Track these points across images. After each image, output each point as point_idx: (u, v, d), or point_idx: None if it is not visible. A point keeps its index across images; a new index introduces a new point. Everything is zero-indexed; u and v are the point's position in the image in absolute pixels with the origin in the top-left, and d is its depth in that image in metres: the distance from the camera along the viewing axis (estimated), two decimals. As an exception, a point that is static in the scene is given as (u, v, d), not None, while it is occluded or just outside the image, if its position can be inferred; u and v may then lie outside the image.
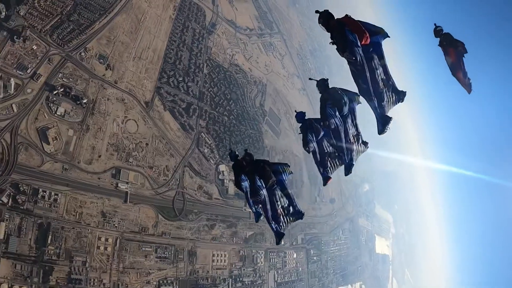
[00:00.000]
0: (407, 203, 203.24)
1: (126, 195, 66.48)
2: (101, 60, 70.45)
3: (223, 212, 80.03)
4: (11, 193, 58.47)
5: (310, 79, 15.49)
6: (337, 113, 13.41)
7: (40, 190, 59.92)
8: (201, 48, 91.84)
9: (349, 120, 13.85)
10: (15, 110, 61.35)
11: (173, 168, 73.55)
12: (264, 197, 13.05)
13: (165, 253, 69.76)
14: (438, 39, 18.52)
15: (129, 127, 70.74)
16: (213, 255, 77.16)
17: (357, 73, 12.86)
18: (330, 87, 13.86)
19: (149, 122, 73.37)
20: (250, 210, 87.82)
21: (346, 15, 12.71)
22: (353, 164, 14.15)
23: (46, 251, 59.22)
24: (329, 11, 12.85)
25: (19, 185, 58.86)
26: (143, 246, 67.37)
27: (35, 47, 64.78)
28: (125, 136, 69.69)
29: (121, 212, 66.17)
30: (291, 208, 13.87)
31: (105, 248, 64.09)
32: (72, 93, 65.25)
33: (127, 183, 66.95)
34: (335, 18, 12.77)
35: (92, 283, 62.72)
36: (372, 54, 12.53)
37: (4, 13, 63.19)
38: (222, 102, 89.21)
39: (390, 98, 13.42)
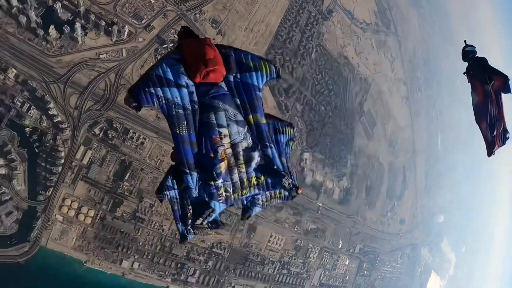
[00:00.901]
0: (477, 248, 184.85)
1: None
2: (214, 25, 72.35)
3: (295, 199, 79.63)
4: (104, 127, 64.46)
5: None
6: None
7: (131, 131, 65.11)
8: (314, 33, 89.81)
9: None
10: (124, 55, 66.58)
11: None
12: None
13: (228, 219, 72.24)
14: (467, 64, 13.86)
15: (226, 94, 72.44)
16: (271, 236, 78.10)
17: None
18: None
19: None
20: (319, 204, 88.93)
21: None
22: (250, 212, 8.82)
23: (121, 185, 64.85)
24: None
25: (113, 122, 64.46)
26: (209, 206, 70.17)
27: (153, 1, 68.73)
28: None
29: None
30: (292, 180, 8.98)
31: (174, 197, 67.90)
32: None
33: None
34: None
35: (152, 225, 67.58)
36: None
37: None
38: (323, 91, 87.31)
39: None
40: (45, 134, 62.75)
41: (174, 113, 6.38)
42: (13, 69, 62.51)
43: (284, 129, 8.82)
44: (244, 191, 7.01)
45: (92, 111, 64.54)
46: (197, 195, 6.73)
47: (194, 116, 6.51)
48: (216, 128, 6.47)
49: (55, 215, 63.44)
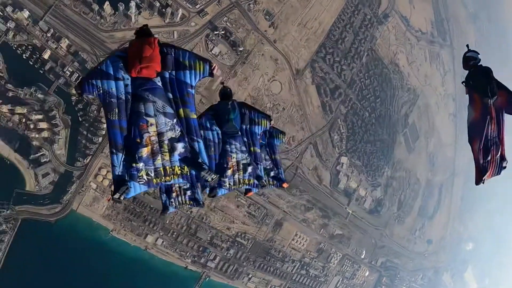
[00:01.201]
0: (501, 282, 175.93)
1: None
2: (267, 17, 71.39)
3: (325, 201, 78.47)
4: None
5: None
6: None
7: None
8: (367, 36, 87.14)
9: (263, 151, 11.47)
10: (175, 37, 67.07)
11: (298, 141, 73.56)
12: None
13: (256, 212, 71.88)
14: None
15: (273, 87, 71.74)
16: (296, 235, 77.29)
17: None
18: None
19: (294, 89, 73.35)
20: (349, 211, 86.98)
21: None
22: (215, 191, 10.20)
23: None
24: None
25: None
26: (239, 196, 70.02)
27: None
28: (267, 94, 71.04)
29: (235, 159, 68.93)
30: (275, 171, 11.95)
31: (208, 182, 68.03)
32: (231, 38, 68.17)
33: (251, 142, 68.97)
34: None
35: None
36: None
37: None
38: (369, 97, 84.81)
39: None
40: (90, 104, 64.31)
41: (107, 101, 7.30)
42: (66, 39, 64.35)
43: (259, 120, 9.99)
44: (167, 178, 7.56)
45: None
46: (120, 173, 7.26)
47: (126, 105, 7.34)
48: (144, 116, 7.24)
49: (90, 182, 65.07)
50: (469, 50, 11.66)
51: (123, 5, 64.13)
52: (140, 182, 7.38)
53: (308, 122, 74.66)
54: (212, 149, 9.53)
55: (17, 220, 66.28)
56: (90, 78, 7.36)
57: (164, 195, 11.21)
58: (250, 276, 75.67)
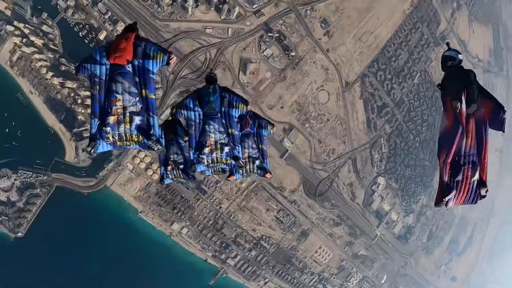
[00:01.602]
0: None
1: (285, 153, 68.18)
2: (323, 25, 70.32)
3: (355, 219, 76.75)
4: None
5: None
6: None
7: (218, 108, 65.37)
8: (422, 56, 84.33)
9: (250, 140, 12.42)
10: (229, 34, 67.06)
11: (338, 154, 72.21)
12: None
13: (284, 218, 71.17)
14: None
15: (320, 96, 70.67)
16: (320, 248, 76.08)
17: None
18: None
19: (340, 101, 71.95)
20: (377, 233, 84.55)
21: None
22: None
23: None
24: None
25: None
26: (270, 200, 69.54)
27: None
28: (313, 102, 70.10)
29: (272, 163, 68.28)
30: (260, 160, 12.52)
31: (241, 182, 68.10)
32: (285, 42, 67.65)
33: (292, 142, 68.45)
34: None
35: (212, 200, 68.27)
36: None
37: None
38: (416, 120, 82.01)
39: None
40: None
41: (92, 80, 9.26)
42: (122, 23, 65.80)
43: (237, 104, 10.88)
44: (127, 143, 9.31)
45: (187, 79, 66.16)
46: (94, 133, 9.13)
47: (104, 84, 9.22)
48: (114, 93, 9.06)
49: (127, 163, 66.25)
50: (448, 49, 10.28)
51: None
52: (107, 142, 9.19)
53: (351, 137, 73.09)
54: (193, 128, 10.79)
55: (51, 186, 68.55)
56: (84, 63, 9.40)
57: (163, 167, 12.75)
58: (266, 280, 75.14)
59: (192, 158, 10.84)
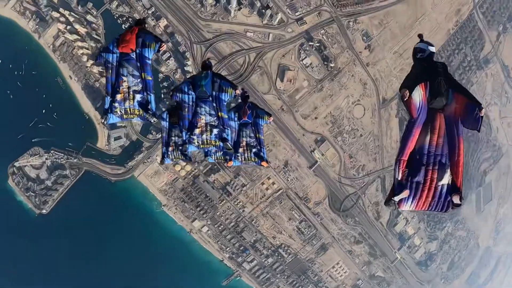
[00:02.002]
0: None
1: (314, 164, 67.59)
2: (365, 38, 69.12)
3: (376, 239, 75.29)
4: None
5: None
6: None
7: (251, 109, 65.18)
8: (463, 79, 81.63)
9: (248, 129, 13.23)
10: (270, 40, 66.79)
11: (367, 171, 70.97)
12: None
13: (305, 229, 70.61)
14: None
15: (355, 111, 69.61)
16: (337, 263, 75.08)
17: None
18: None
19: (376, 118, 70.66)
20: (397, 256, 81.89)
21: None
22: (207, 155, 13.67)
23: None
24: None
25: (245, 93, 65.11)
26: (294, 210, 69.08)
27: None
28: (348, 116, 69.12)
29: (300, 173, 67.98)
30: (257, 148, 13.11)
31: (267, 188, 67.82)
32: (325, 52, 66.91)
33: (322, 154, 67.74)
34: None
35: (236, 203, 68.35)
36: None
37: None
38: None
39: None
40: (174, 84, 66.17)
41: (106, 66, 11.05)
42: (164, 19, 66.68)
43: (226, 88, 11.62)
44: (131, 116, 11.16)
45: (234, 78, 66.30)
46: (106, 108, 11.10)
47: (115, 68, 10.99)
48: (121, 76, 10.87)
49: (156, 156, 66.95)
50: (421, 41, 9.59)
51: None
52: (116, 115, 11.13)
53: (382, 155, 71.53)
54: (186, 109, 11.61)
55: (80, 169, 70.17)
56: (101, 52, 11.33)
57: (164, 148, 13.20)
58: (279, 289, 74.76)
59: (184, 138, 11.73)
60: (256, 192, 67.78)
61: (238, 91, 11.94)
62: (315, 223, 70.04)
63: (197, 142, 11.48)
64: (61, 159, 70.49)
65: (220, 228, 69.27)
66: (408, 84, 8.63)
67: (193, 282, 73.79)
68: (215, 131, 11.40)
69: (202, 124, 11.35)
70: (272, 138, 66.60)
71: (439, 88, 8.50)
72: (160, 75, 66.24)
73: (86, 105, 68.57)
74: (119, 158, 69.58)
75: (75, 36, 67.85)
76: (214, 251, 71.09)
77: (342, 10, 68.89)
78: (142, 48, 11.05)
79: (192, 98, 11.52)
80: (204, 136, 11.40)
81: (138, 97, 10.98)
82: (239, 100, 13.55)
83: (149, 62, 11.24)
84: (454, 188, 8.36)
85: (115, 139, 68.70)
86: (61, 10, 67.93)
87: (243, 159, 13.06)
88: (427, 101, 8.54)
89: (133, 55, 11.04)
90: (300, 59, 66.57)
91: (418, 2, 73.45)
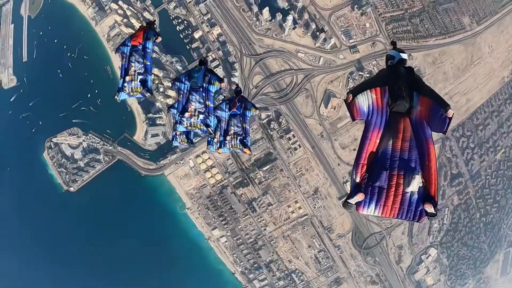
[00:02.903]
0: None
1: (344, 196, 66.24)
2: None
3: (393, 283, 73.09)
4: (271, 116, 66.12)
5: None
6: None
7: (292, 132, 65.22)
8: (511, 131, 78.15)
9: (236, 119, 14.75)
10: (320, 63, 66.20)
11: (397, 214, 68.94)
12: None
13: (323, 260, 69.79)
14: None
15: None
16: (348, 300, 73.44)
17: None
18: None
19: (410, 158, 68.49)
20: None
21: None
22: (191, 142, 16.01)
23: (256, 172, 66.75)
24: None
25: (281, 116, 65.61)
26: (315, 238, 68.39)
27: (368, 25, 66.45)
28: (385, 152, 67.31)
29: (328, 202, 67.12)
30: (242, 136, 14.59)
31: (292, 212, 67.40)
32: None
33: (355, 188, 66.19)
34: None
35: (259, 220, 68.35)
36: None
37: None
38: (488, 198, 76.37)
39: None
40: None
41: (121, 55, 13.62)
42: (219, 28, 67.07)
43: (214, 81, 13.53)
44: (135, 93, 13.68)
45: (269, 97, 66.05)
46: (119, 87, 13.70)
47: (127, 57, 13.53)
48: (130, 62, 13.49)
49: (189, 159, 67.71)
50: (393, 48, 9.42)
51: (281, 15, 65.42)
52: (125, 92, 13.53)
53: (415, 198, 69.16)
54: (181, 96, 13.71)
55: (114, 157, 71.80)
56: (120, 46, 13.65)
57: (174, 132, 15.22)
58: (284, 314, 73.83)
59: (176, 119, 13.80)
60: (281, 213, 67.39)
61: (223, 85, 14.10)
62: (334, 255, 68.98)
63: (186, 124, 13.68)
64: (97, 144, 72.39)
65: (238, 241, 69.39)
66: (357, 88, 8.64)
67: (200, 286, 74.33)
68: (201, 116, 13.59)
69: (192, 109, 13.60)
70: (307, 163, 65.95)
71: (400, 91, 8.32)
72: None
73: (131, 99, 69.55)
74: (153, 154, 70.73)
75: (130, 30, 69.01)
76: (228, 262, 71.27)
77: (397, 43, 67.12)
78: (145, 41, 13.78)
79: (187, 87, 13.76)
80: (192, 119, 13.59)
81: (140, 77, 13.57)
82: (234, 94, 15.43)
83: (149, 51, 13.86)
84: (427, 197, 7.69)
85: (152, 135, 69.80)
86: (120, 2, 69.37)
87: (230, 146, 14.67)
88: (386, 105, 8.38)
89: (140, 47, 13.75)
90: (348, 87, 65.40)
91: (475, 45, 70.94)
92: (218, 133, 14.80)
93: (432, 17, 69.16)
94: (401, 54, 9.16)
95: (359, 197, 7.77)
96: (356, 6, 65.97)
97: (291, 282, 70.76)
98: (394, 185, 7.77)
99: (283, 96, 66.03)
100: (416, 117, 8.25)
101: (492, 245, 77.16)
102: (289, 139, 65.25)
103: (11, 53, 76.88)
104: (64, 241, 75.38)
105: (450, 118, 7.83)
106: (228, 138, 14.60)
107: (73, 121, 73.47)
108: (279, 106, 65.68)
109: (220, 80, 13.79)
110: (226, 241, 69.86)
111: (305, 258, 69.23)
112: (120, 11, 69.66)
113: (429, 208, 7.56)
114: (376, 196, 7.80)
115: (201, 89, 13.56)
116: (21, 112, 75.69)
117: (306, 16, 65.85)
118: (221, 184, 67.29)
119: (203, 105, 13.55)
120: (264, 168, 65.66)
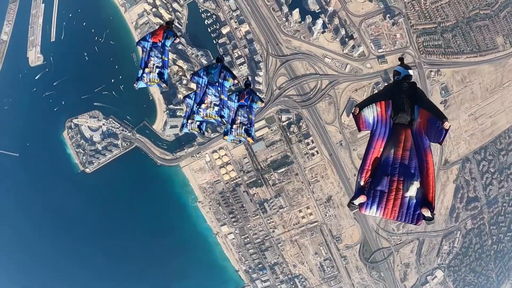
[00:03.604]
0: None
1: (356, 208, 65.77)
2: (443, 92, 66.17)
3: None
4: (291, 119, 65.83)
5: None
6: None
7: (311, 138, 64.97)
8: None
9: (243, 110, 15.58)
10: (346, 70, 65.41)
11: (408, 230, 68.67)
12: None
13: (328, 268, 69.70)
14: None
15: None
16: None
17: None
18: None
19: (432, 177, 67.24)
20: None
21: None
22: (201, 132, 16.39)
23: (271, 174, 66.58)
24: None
25: (302, 120, 65.25)
26: (323, 246, 68.30)
27: (398, 36, 65.30)
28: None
29: (340, 211, 66.76)
30: (247, 126, 15.42)
31: (303, 217, 67.39)
32: None
33: (368, 200, 65.62)
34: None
35: (268, 221, 68.65)
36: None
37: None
38: (502, 226, 74.71)
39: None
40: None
41: (143, 49, 14.76)
42: (247, 25, 66.54)
43: (228, 77, 14.75)
44: (152, 83, 15.03)
45: (291, 100, 65.55)
46: (139, 76, 15.14)
47: (147, 52, 14.79)
48: (150, 56, 14.77)
49: (206, 153, 67.99)
50: (401, 64, 10.07)
51: (311, 18, 64.76)
52: (143, 82, 14.74)
53: (428, 218, 67.93)
54: (199, 89, 14.92)
55: (132, 144, 72.67)
56: (140, 41, 14.87)
57: (185, 120, 15.60)
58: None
59: (193, 109, 14.98)
60: (291, 217, 67.39)
61: (236, 81, 15.23)
62: (339, 266, 68.78)
63: (202, 114, 15.01)
64: (117, 129, 73.27)
65: (246, 240, 69.68)
66: (365, 102, 9.38)
67: (202, 279, 74.79)
68: (216, 108, 14.94)
69: (208, 102, 14.90)
70: (323, 170, 65.62)
71: (402, 105, 9.09)
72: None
73: (154, 88, 69.61)
74: (171, 145, 71.28)
75: (158, 20, 69.23)
76: (233, 259, 71.70)
77: (427, 57, 66.10)
78: (164, 39, 15.07)
79: (204, 81, 15.03)
80: (208, 110, 14.94)
81: (157, 70, 14.95)
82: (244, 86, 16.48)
83: (167, 48, 15.23)
84: (425, 202, 8.35)
85: (171, 126, 70.26)
86: (150, -9, 69.42)
87: (235, 134, 15.55)
88: (389, 117, 9.16)
89: (160, 44, 15.11)
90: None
91: (506, 66, 69.18)
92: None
93: (465, 34, 67.56)
94: (407, 70, 9.79)
95: (362, 199, 8.55)
96: (388, 15, 64.84)
97: (293, 286, 70.93)
98: (395, 190, 8.51)
99: (305, 100, 65.57)
100: (416, 128, 8.97)
101: (500, 274, 75.71)
102: (308, 144, 64.95)
103: (40, 32, 77.96)
104: (74, 218, 77.11)
105: (447, 130, 8.41)
106: (234, 126, 15.63)
107: (95, 104, 74.41)
108: (300, 110, 65.29)
109: (234, 77, 15.06)
110: (233, 238, 70.27)
111: (310, 265, 69.24)
112: (150, 0, 69.80)
113: (426, 212, 8.16)
114: (377, 199, 8.54)
115: (217, 84, 14.95)
116: (45, 91, 76.96)
117: (336, 21, 65.07)
118: (235, 181, 67.53)
119: (218, 98, 14.99)
120: (280, 171, 65.59)
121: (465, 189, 69.33)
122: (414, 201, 8.40)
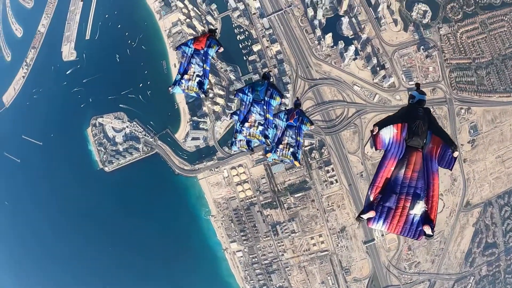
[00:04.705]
0: None
1: (370, 241, 65.06)
2: (471, 131, 64.33)
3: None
4: (314, 145, 65.37)
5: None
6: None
7: (332, 166, 64.21)
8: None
9: (292, 131, 15.40)
10: (374, 100, 64.38)
11: (420, 270, 66.88)
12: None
13: (337, 297, 68.35)
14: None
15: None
16: None
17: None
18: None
19: (452, 219, 66.04)
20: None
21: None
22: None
23: (288, 197, 66.50)
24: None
25: (324, 147, 64.63)
26: (330, 276, 67.46)
27: (431, 69, 64.01)
28: (423, 206, 64.83)
29: (352, 243, 65.92)
30: (295, 149, 15.08)
31: (314, 244, 66.83)
32: None
33: (382, 235, 65.29)
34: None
35: (279, 244, 68.07)
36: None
37: (427, 20, 64.05)
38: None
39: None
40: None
41: (182, 54, 15.44)
42: (278, 45, 66.28)
43: (275, 96, 14.56)
44: (190, 91, 15.59)
45: (316, 125, 65.00)
46: (175, 82, 15.73)
47: (187, 58, 15.31)
48: (191, 64, 15.25)
49: (224, 169, 68.07)
50: (417, 89, 10.96)
51: (344, 44, 64.21)
52: (180, 87, 14.93)
53: (442, 259, 66.70)
54: (243, 106, 14.35)
55: (152, 149, 73.52)
56: (181, 45, 15.09)
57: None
58: None
59: (237, 128, 14.53)
60: (303, 243, 66.78)
61: (283, 100, 15.87)
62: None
63: (245, 133, 14.47)
64: (139, 133, 74.18)
65: (253, 259, 69.39)
66: (383, 122, 10.11)
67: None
68: (260, 128, 14.33)
69: (252, 120, 14.34)
70: (340, 200, 64.86)
71: (416, 129, 9.79)
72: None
73: (180, 96, 70.78)
74: (191, 156, 71.69)
75: (191, 31, 69.73)
76: (238, 277, 71.43)
77: (459, 93, 64.50)
78: (208, 48, 15.09)
79: (249, 99, 14.53)
80: (251, 129, 14.35)
81: (197, 79, 14.88)
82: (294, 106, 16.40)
83: (210, 57, 15.17)
84: (427, 220, 9.10)
85: (193, 138, 70.60)
86: (186, 1, 70.00)
87: (281, 154, 15.29)
88: (403, 139, 9.84)
89: (202, 51, 15.08)
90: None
91: (540, 109, 66.76)
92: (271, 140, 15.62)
93: (499, 72, 65.62)
94: (422, 95, 10.75)
95: (371, 214, 9.31)
96: (422, 47, 63.63)
97: (295, 314, 70.15)
98: (401, 207, 9.24)
99: (330, 127, 64.92)
100: (427, 152, 9.68)
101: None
102: (328, 171, 64.29)
103: (76, 28, 79.77)
104: (86, 213, 78.46)
105: (455, 158, 9.38)
106: (280, 146, 15.33)
107: (120, 105, 75.48)
108: (324, 136, 64.69)
109: (282, 96, 14.63)
110: (241, 256, 70.09)
111: (317, 295, 68.53)
112: (184, 10, 70.49)
113: (427, 230, 8.98)
114: (385, 215, 9.27)
115: (262, 102, 14.39)
116: (75, 86, 78.70)
117: (369, 48, 64.23)
118: (250, 200, 67.42)
119: (263, 117, 14.36)
120: (296, 195, 65.18)
121: (484, 233, 67.34)
122: (418, 218, 9.17)
